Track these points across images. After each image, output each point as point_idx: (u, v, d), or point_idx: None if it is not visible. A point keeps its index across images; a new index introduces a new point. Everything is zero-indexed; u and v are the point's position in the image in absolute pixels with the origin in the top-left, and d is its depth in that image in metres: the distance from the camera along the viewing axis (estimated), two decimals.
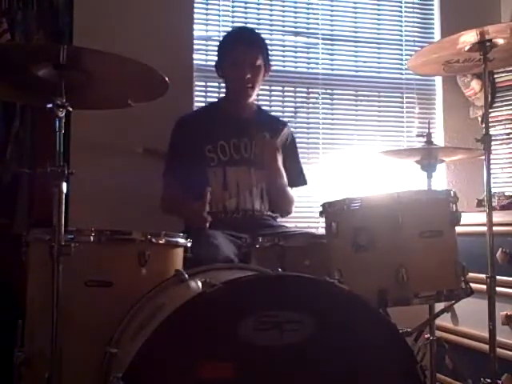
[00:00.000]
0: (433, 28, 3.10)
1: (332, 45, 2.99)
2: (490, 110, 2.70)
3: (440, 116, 3.05)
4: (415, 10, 3.10)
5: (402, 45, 3.07)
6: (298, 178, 2.54)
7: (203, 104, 2.73)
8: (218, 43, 2.60)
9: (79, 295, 1.54)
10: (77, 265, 1.47)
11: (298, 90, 2.93)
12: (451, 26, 2.80)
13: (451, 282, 1.63)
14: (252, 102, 2.48)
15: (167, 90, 1.63)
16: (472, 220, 2.21)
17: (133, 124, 2.48)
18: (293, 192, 2.50)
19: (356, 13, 3.02)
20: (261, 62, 2.37)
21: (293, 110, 2.91)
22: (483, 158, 1.87)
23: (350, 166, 2.89)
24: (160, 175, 2.36)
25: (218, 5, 2.83)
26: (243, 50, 2.35)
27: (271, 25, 2.91)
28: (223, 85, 2.59)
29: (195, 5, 2.76)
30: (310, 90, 2.94)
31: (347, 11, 3.02)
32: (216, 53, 2.52)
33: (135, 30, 2.59)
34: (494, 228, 1.85)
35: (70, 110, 1.46)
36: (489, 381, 1.79)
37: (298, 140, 2.63)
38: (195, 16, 2.75)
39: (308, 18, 2.97)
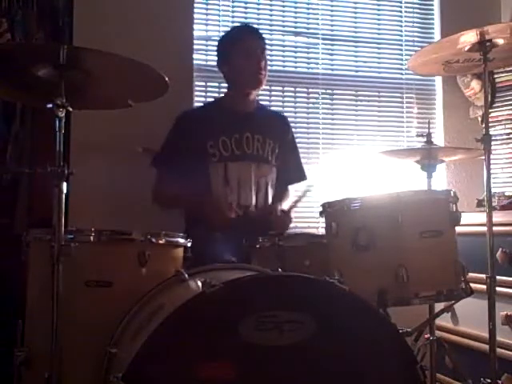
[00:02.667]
0: (433, 28, 3.10)
1: (332, 45, 2.99)
2: (490, 110, 2.70)
3: (440, 116, 3.05)
4: (415, 10, 3.10)
5: (402, 45, 3.07)
6: (300, 174, 2.57)
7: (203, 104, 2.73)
8: (218, 43, 2.60)
9: (79, 295, 1.55)
10: (77, 265, 1.47)
11: (297, 90, 2.93)
12: (451, 26, 2.79)
13: (451, 282, 1.63)
14: (254, 98, 2.48)
15: (167, 90, 1.63)
16: (472, 220, 2.21)
17: (133, 124, 2.48)
18: (292, 193, 2.53)
19: (356, 13, 3.03)
20: (265, 55, 2.41)
21: (293, 109, 2.92)
22: (483, 158, 1.87)
23: (349, 166, 2.89)
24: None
25: (218, 5, 2.83)
26: (255, 40, 2.39)
27: (271, 25, 2.91)
28: (223, 85, 2.59)
29: (195, 5, 2.76)
30: (310, 90, 2.94)
31: (347, 11, 3.02)
32: (216, 52, 2.53)
33: (135, 30, 2.59)
34: (494, 228, 1.84)
35: (70, 110, 1.46)
36: (489, 381, 1.79)
37: (298, 140, 2.63)
38: (195, 16, 2.76)
39: (308, 18, 2.97)
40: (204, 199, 2.25)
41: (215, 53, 2.56)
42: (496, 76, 2.84)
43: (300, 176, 2.57)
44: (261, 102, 2.60)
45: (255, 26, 2.80)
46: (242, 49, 2.35)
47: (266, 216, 2.30)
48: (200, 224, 2.18)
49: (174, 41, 2.66)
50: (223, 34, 2.58)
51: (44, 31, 2.53)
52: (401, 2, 3.08)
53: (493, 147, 1.89)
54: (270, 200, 2.41)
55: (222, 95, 2.58)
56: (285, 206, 2.42)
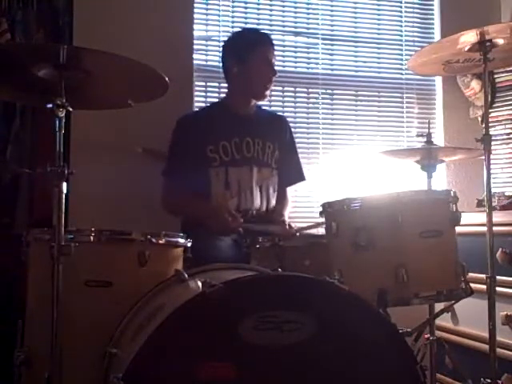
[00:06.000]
0: (433, 28, 3.10)
1: (332, 45, 2.99)
2: (490, 110, 2.69)
3: (440, 116, 3.05)
4: (415, 10, 3.10)
5: (402, 45, 3.07)
6: (299, 175, 2.58)
7: (203, 104, 2.73)
8: (218, 43, 2.60)
9: (79, 295, 1.54)
10: (77, 265, 1.48)
11: (297, 90, 2.93)
12: (451, 25, 2.79)
13: (451, 281, 1.63)
14: (255, 102, 2.49)
15: (167, 90, 1.63)
16: (472, 220, 2.21)
17: (133, 124, 2.48)
18: (289, 193, 2.56)
19: (356, 13, 3.02)
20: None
21: (293, 109, 2.91)
22: (483, 158, 1.87)
23: (349, 165, 2.89)
24: (159, 175, 2.36)
25: (218, 5, 2.82)
26: (272, 51, 2.40)
27: (271, 25, 2.91)
28: (223, 85, 2.58)
29: (195, 5, 2.75)
30: (310, 90, 2.94)
31: (347, 11, 3.02)
32: (216, 52, 2.53)
33: (135, 30, 2.59)
34: (494, 228, 1.84)
35: (70, 109, 1.46)
36: (489, 381, 1.79)
37: (298, 140, 2.63)
38: (195, 16, 2.75)
39: (308, 18, 2.97)
40: (209, 208, 2.25)
41: (215, 53, 2.56)
42: (496, 76, 2.84)
43: (299, 177, 2.58)
44: (262, 104, 2.59)
45: (255, 26, 2.83)
46: (263, 55, 2.36)
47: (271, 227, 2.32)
48: (198, 227, 2.17)
49: (174, 41, 2.65)
50: (224, 34, 2.58)
51: (44, 31, 2.53)
52: (401, 2, 3.08)
53: (493, 147, 1.89)
54: (272, 204, 2.42)
55: (223, 96, 2.57)
56: (287, 213, 2.46)
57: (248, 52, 2.36)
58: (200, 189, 2.29)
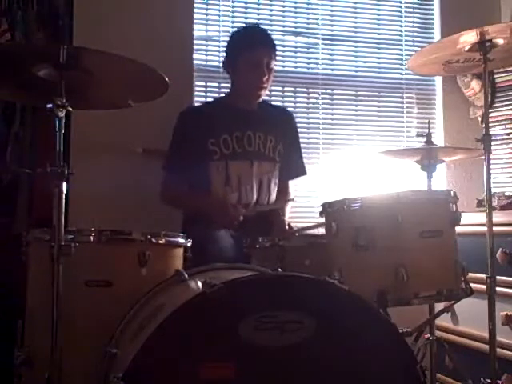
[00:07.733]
0: (433, 28, 3.10)
1: (332, 45, 2.99)
2: (490, 110, 2.70)
3: (440, 116, 3.05)
4: (415, 10, 3.10)
5: (402, 45, 3.07)
6: (301, 169, 2.58)
7: None
8: (218, 43, 2.59)
9: (79, 295, 1.54)
10: (77, 265, 1.47)
11: (297, 90, 2.93)
12: (451, 26, 2.79)
13: (451, 282, 1.63)
14: None
15: (167, 90, 1.63)
16: (472, 220, 2.21)
17: (133, 124, 2.48)
18: (291, 188, 2.56)
19: (356, 13, 3.02)
20: (274, 64, 2.39)
21: (293, 110, 2.91)
22: (483, 157, 1.87)
23: (349, 165, 2.89)
24: (159, 174, 2.36)
25: (218, 5, 2.82)
26: (263, 52, 2.35)
27: (271, 25, 2.91)
28: (223, 85, 2.58)
29: (195, 5, 2.76)
30: (310, 90, 2.94)
31: (347, 11, 3.02)
32: (216, 52, 2.52)
33: (135, 30, 2.59)
34: (494, 228, 1.84)
35: (70, 109, 1.46)
36: (489, 381, 1.79)
37: None
38: (195, 16, 2.75)
39: (308, 18, 2.97)
40: (211, 200, 2.26)
41: (215, 53, 2.55)
42: (496, 76, 2.84)
43: (301, 171, 2.58)
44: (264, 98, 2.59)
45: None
46: (249, 59, 2.33)
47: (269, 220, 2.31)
48: (199, 222, 2.18)
49: (174, 41, 2.65)
50: (224, 34, 2.58)
51: (44, 31, 2.53)
52: (401, 2, 3.08)
53: (493, 147, 1.88)
54: (273, 198, 2.42)
55: (227, 93, 2.57)
56: (287, 211, 2.45)
57: (236, 55, 2.38)
58: (200, 183, 2.29)
